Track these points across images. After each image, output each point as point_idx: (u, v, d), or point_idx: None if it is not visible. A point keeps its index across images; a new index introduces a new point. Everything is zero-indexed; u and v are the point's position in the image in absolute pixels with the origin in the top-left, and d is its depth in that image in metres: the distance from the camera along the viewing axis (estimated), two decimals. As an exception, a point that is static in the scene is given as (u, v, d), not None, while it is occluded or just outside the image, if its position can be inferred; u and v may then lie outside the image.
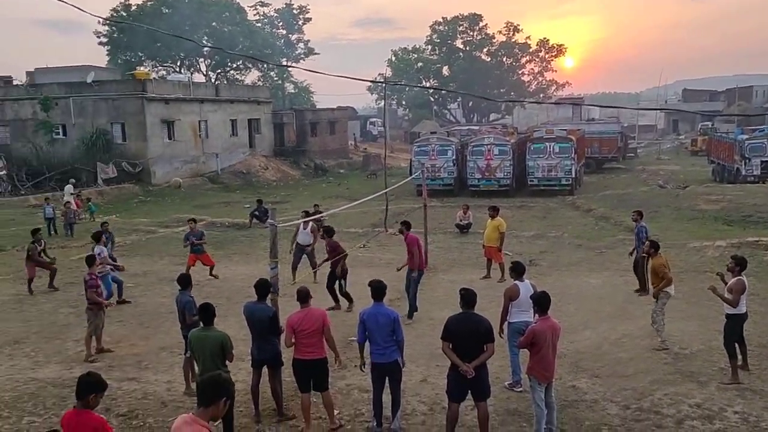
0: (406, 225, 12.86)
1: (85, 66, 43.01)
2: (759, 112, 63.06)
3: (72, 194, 25.40)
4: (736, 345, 8.85)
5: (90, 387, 5.07)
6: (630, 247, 14.30)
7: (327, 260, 13.08)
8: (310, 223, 15.04)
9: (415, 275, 12.33)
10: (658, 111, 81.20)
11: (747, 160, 31.76)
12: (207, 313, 7.15)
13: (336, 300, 12.75)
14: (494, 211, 15.23)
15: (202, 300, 7.86)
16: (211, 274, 15.65)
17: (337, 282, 12.84)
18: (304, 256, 14.99)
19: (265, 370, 7.90)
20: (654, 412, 7.84)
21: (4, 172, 33.40)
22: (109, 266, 13.18)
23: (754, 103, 73.56)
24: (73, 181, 27.92)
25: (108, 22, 53.42)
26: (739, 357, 8.91)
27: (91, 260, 10.95)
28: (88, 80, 36.83)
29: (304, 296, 7.59)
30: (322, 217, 17.82)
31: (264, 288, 7.87)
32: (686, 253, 16.99)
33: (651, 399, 8.20)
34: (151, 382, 9.29)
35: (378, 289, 7.52)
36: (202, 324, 7.20)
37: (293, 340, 7.46)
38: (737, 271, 8.93)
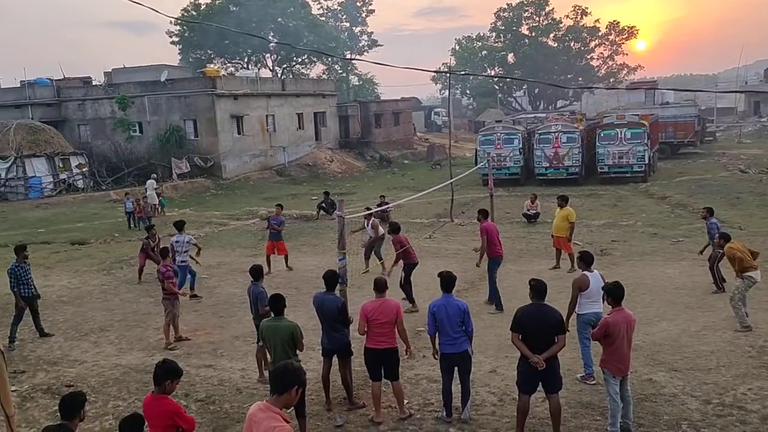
0: (483, 213, 12.65)
1: (159, 65, 44.60)
2: None
3: (156, 188, 26.43)
4: None
5: (166, 373, 5.29)
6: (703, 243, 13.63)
7: (397, 259, 12.58)
8: (371, 219, 15.09)
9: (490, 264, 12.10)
10: (737, 93, 77.23)
11: (838, 142, 29.82)
12: (278, 303, 7.31)
13: (412, 301, 12.22)
14: (563, 201, 14.87)
15: (273, 291, 8.03)
16: (286, 266, 15.95)
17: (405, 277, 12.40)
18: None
19: (335, 359, 8.02)
20: (737, 407, 7.51)
21: (86, 168, 35.10)
22: (187, 255, 13.65)
23: None
24: (155, 175, 28.99)
25: (179, 21, 55.15)
26: None
27: (165, 252, 11.40)
28: (162, 79, 38.19)
29: (381, 286, 7.68)
30: (388, 208, 17.88)
31: (332, 279, 7.98)
32: (771, 241, 16.12)
33: (734, 394, 7.84)
34: (226, 369, 9.60)
35: (448, 281, 7.51)
36: (273, 314, 7.36)
37: (366, 329, 7.54)
38: None
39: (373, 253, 15.09)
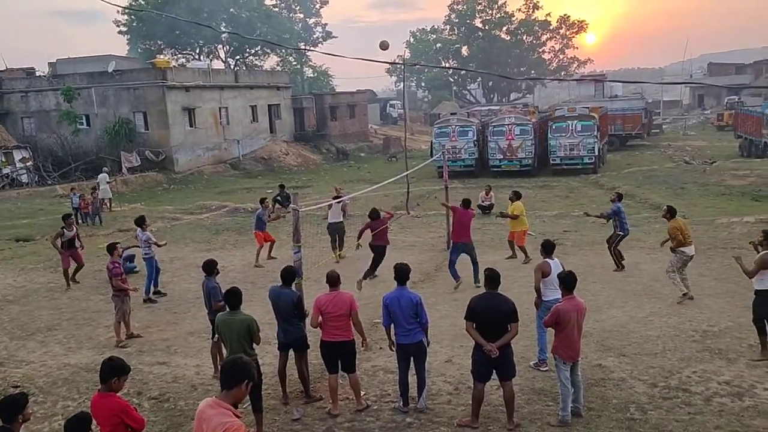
0: (465, 202, 13.61)
1: (106, 56, 43.41)
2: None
3: (108, 182, 25.87)
4: (766, 321, 8.72)
5: (112, 371, 5.18)
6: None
7: (361, 234, 13.80)
8: (341, 204, 15.63)
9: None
10: (683, 85, 79.65)
11: (775, 134, 31.10)
12: (234, 297, 7.24)
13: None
14: (515, 196, 15.07)
15: (228, 286, 7.94)
16: (270, 256, 15.95)
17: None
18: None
19: (291, 353, 8.00)
20: (682, 389, 7.79)
21: (30, 163, 33.94)
22: (151, 249, 13.34)
23: (783, 75, 71.69)
24: (107, 169, 28.34)
25: (127, 10, 53.71)
26: None
27: (111, 248, 11.06)
28: (109, 70, 37.17)
29: (334, 280, 7.67)
30: (342, 200, 17.88)
31: (290, 275, 7.93)
32: (714, 229, 16.75)
33: (679, 377, 8.14)
34: (180, 366, 9.46)
35: (401, 273, 7.56)
36: (228, 308, 7.28)
37: (320, 322, 7.54)
38: (766, 245, 8.81)
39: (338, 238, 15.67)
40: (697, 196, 22.61)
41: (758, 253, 8.95)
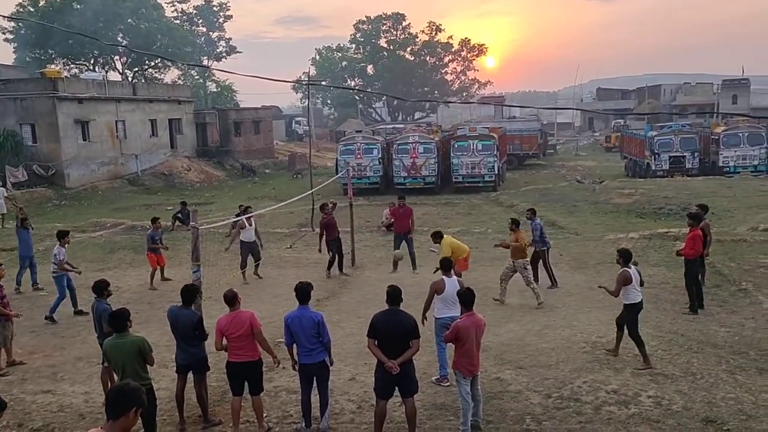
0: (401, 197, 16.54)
1: (-10, 63, 40.63)
2: (666, 110, 66.58)
3: (6, 196, 24.55)
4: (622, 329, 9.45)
5: None
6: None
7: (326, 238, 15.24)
8: (253, 220, 15.43)
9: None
10: (574, 110, 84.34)
11: (656, 156, 33.51)
12: (118, 319, 6.80)
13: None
14: (438, 237, 12.71)
15: (122, 306, 7.56)
16: (164, 278, 15.21)
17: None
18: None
19: (190, 376, 7.71)
20: (574, 399, 8.14)
21: None
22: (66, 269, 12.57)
23: (663, 100, 77.52)
24: (10, 182, 26.71)
25: (13, 18, 50.54)
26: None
27: None
28: (-7, 78, 34.79)
29: (231, 299, 7.44)
30: (250, 216, 17.60)
31: (190, 294, 7.66)
32: (603, 245, 17.74)
33: (571, 387, 8.50)
34: (68, 394, 8.88)
35: (302, 292, 7.46)
36: (115, 332, 6.87)
37: (225, 343, 7.33)
38: (622, 263, 9.47)
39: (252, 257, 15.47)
40: (588, 213, 23.90)
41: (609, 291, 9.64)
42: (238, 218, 14.79)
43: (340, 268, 15.58)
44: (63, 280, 12.54)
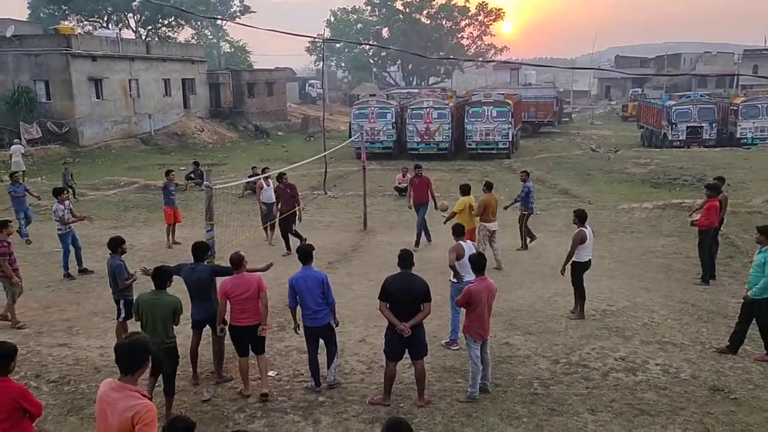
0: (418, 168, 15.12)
1: (4, 20, 40.36)
2: (687, 78, 65.36)
3: (23, 153, 24.81)
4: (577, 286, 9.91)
5: (9, 355, 4.89)
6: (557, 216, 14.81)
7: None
8: (271, 181, 15.30)
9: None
10: (592, 77, 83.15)
11: (673, 126, 33.03)
12: (161, 276, 6.97)
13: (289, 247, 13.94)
14: (465, 191, 12.76)
15: (137, 264, 7.64)
16: (174, 241, 15.25)
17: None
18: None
19: (206, 332, 7.82)
20: (582, 365, 8.21)
21: None
22: (70, 225, 12.62)
23: (682, 69, 76.00)
24: (18, 140, 27.11)
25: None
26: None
27: (2, 225, 10.01)
28: (8, 34, 34.60)
29: (237, 262, 7.41)
30: (260, 178, 17.63)
31: (201, 251, 7.74)
32: (616, 214, 17.65)
33: (579, 353, 8.56)
34: (83, 347, 9.05)
35: (304, 253, 7.50)
36: (154, 287, 6.99)
37: (226, 308, 7.40)
38: (578, 223, 9.91)
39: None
40: (602, 182, 23.72)
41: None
42: (252, 178, 14.80)
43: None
44: (68, 237, 12.62)
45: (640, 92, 59.26)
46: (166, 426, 4.18)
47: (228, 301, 7.39)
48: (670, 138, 33.13)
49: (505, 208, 15.16)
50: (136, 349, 4.11)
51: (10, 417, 4.82)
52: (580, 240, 9.73)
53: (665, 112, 33.84)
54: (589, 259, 9.98)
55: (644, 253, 13.64)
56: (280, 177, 14.68)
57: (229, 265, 7.51)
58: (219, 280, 7.71)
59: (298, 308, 7.53)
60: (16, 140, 26.79)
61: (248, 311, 7.32)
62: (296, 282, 7.37)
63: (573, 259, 9.86)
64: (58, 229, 12.62)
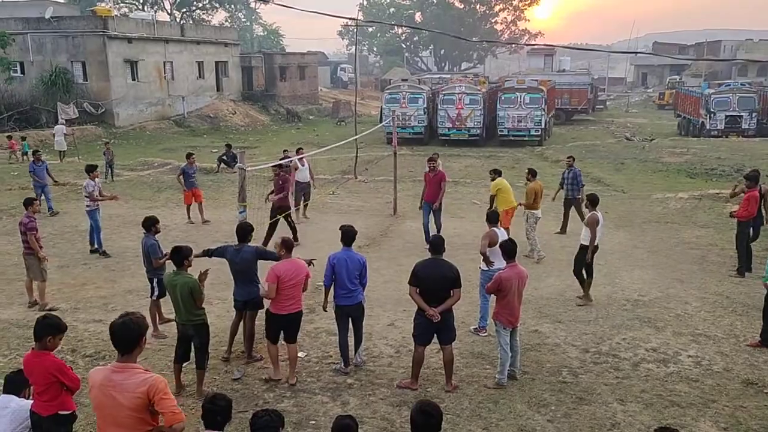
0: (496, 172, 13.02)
1: (43, 1, 41.12)
2: (726, 66, 63.61)
3: (65, 134, 25.42)
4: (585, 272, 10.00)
5: (47, 329, 5.01)
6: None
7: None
8: (306, 161, 15.38)
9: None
10: (628, 64, 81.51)
11: (712, 115, 32.26)
12: (177, 255, 7.05)
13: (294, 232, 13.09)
14: (494, 174, 13.01)
15: (170, 244, 7.76)
16: (203, 218, 15.58)
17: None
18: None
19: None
20: (612, 355, 8.13)
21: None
22: (97, 202, 12.88)
23: (721, 57, 74.02)
24: (63, 119, 27.91)
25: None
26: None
27: (28, 202, 10.15)
28: (46, 16, 35.27)
29: (291, 246, 7.42)
30: (303, 156, 17.77)
31: (245, 232, 7.81)
32: (650, 204, 17.36)
33: (609, 343, 8.48)
34: (118, 324, 9.24)
35: (348, 234, 7.55)
36: (175, 266, 7.11)
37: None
38: (590, 207, 10.05)
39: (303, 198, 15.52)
40: (636, 171, 23.32)
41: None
42: (285, 160, 14.86)
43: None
44: (96, 214, 12.86)
45: (678, 80, 57.89)
46: (206, 402, 4.26)
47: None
48: (708, 127, 32.39)
49: (553, 198, 14.83)
50: (129, 328, 4.16)
51: (49, 389, 4.97)
52: (595, 222, 9.76)
53: (704, 101, 33.04)
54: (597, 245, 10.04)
55: (678, 243, 13.41)
56: (279, 166, 13.45)
57: (274, 249, 7.49)
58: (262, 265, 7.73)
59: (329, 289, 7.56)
60: (61, 119, 27.44)
61: (294, 298, 7.26)
62: (337, 261, 7.39)
63: (581, 242, 9.98)
64: (87, 206, 12.89)
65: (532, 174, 12.75)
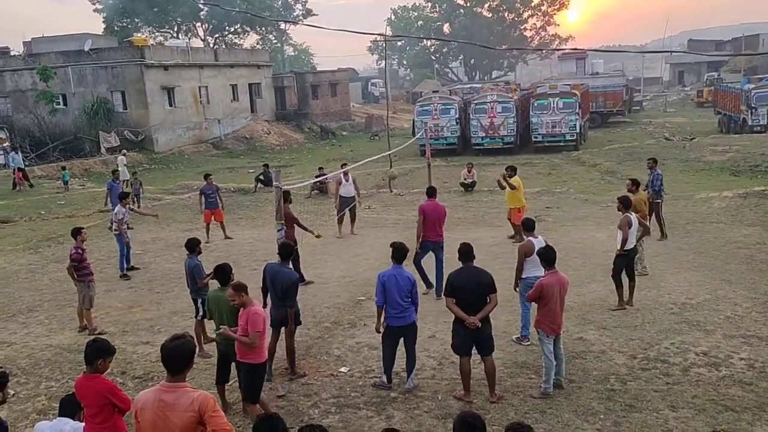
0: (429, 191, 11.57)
1: (82, 34, 42.51)
2: (767, 58, 61.91)
3: (126, 164, 26.07)
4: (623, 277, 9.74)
5: (97, 352, 5.14)
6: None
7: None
8: (351, 176, 15.62)
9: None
10: (663, 63, 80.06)
11: (753, 110, 31.41)
12: (223, 273, 7.20)
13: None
14: (512, 171, 13.90)
15: (212, 264, 7.91)
16: (225, 235, 15.96)
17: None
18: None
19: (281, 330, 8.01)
20: (661, 360, 7.93)
21: (7, 143, 33.32)
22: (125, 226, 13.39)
23: (761, 51, 72.11)
24: (125, 151, 28.89)
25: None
26: (626, 291, 9.82)
27: (76, 232, 10.45)
28: (86, 48, 36.47)
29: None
30: (326, 178, 17.91)
31: (287, 250, 7.92)
32: (693, 204, 16.98)
33: (657, 348, 8.28)
34: (164, 345, 9.41)
35: (400, 251, 7.48)
36: (219, 284, 7.23)
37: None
38: (623, 209, 9.77)
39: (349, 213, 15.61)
40: (677, 171, 22.83)
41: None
42: (319, 178, 15.00)
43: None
44: (121, 238, 13.30)
45: (716, 76, 56.62)
46: (259, 423, 4.19)
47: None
48: (750, 123, 31.54)
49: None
50: (181, 351, 4.25)
51: (101, 412, 5.09)
52: (628, 224, 9.58)
53: (744, 97, 32.21)
54: (633, 247, 9.84)
55: (725, 244, 13.05)
56: (286, 195, 10.38)
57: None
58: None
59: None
60: (123, 150, 28.67)
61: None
62: (387, 279, 7.30)
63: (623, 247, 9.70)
64: (115, 230, 13.40)
65: (635, 184, 11.61)
